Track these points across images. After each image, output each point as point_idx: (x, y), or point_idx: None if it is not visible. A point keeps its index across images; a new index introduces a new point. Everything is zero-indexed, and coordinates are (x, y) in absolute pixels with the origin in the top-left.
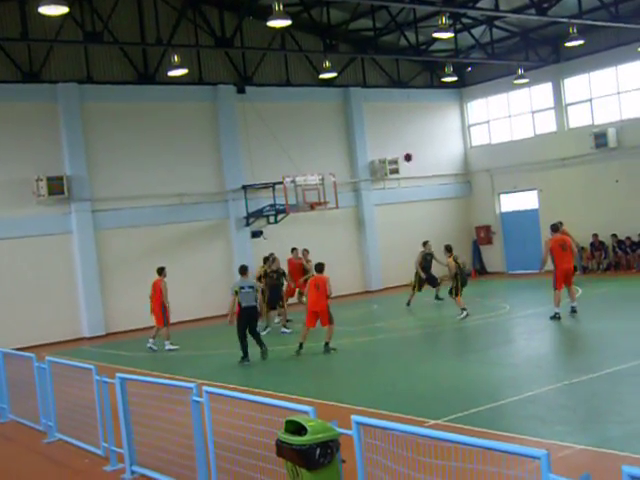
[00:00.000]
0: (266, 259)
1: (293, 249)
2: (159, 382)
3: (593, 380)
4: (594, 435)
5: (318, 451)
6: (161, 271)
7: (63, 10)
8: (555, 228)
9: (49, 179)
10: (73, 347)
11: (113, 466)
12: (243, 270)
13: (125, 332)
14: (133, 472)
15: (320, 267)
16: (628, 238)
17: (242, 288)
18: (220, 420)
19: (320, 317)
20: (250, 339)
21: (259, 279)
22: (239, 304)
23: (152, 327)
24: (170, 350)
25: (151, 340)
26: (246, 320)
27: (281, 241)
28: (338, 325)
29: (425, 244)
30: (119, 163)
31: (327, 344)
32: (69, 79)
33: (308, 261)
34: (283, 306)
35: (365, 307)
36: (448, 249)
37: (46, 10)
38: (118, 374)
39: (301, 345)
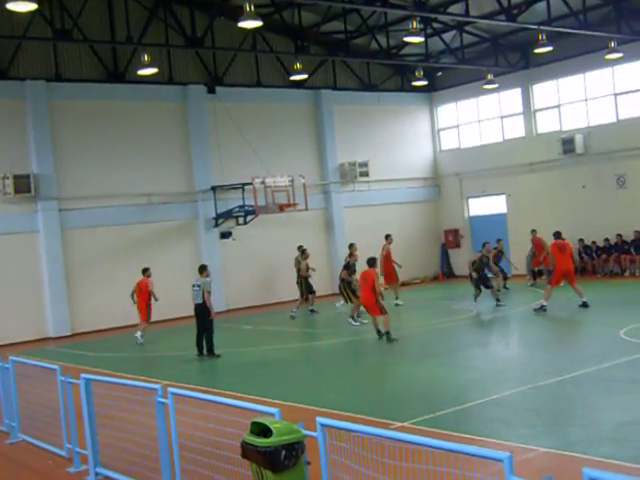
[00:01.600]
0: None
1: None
2: (124, 383)
3: (558, 383)
4: (557, 438)
5: (283, 453)
6: (145, 271)
7: (31, 7)
8: (557, 234)
9: (16, 177)
10: (38, 347)
11: (77, 468)
12: (199, 269)
13: (91, 332)
14: (97, 474)
15: (371, 261)
16: (594, 243)
17: (193, 286)
18: (185, 422)
19: (368, 309)
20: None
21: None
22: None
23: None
24: (137, 339)
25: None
26: (195, 316)
27: (250, 242)
28: (307, 327)
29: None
30: (87, 162)
31: (388, 333)
32: (37, 77)
33: (351, 255)
34: (351, 299)
35: (334, 309)
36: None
37: (14, 6)
38: (83, 375)
39: (379, 332)
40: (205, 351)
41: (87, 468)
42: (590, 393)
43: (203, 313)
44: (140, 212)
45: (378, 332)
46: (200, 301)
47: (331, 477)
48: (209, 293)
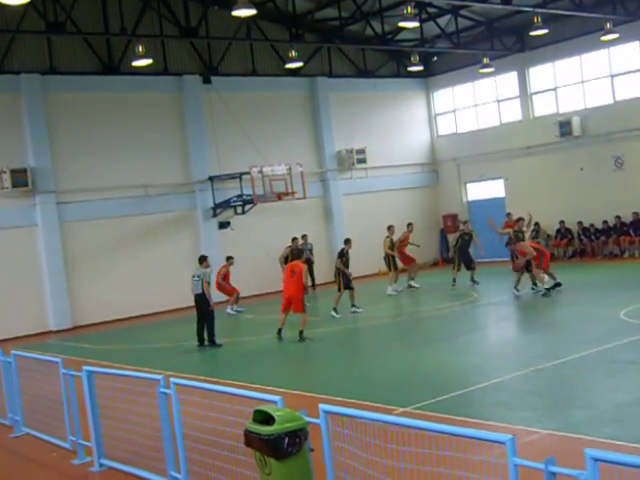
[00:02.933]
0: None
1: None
2: (126, 374)
3: (559, 366)
4: (559, 420)
5: (286, 440)
6: (228, 259)
7: (24, 0)
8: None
9: (13, 171)
10: (40, 341)
11: (81, 459)
12: (200, 259)
13: (92, 325)
14: (101, 465)
15: (300, 253)
16: (592, 225)
17: (193, 277)
18: (188, 411)
19: (293, 304)
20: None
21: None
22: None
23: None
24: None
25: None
26: (195, 307)
27: (248, 231)
28: (308, 315)
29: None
30: (84, 154)
31: (301, 332)
32: (32, 70)
33: (387, 237)
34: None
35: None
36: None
37: (7, 0)
38: (85, 367)
39: (279, 330)
40: (207, 341)
41: (91, 460)
42: (591, 375)
43: (203, 303)
44: (138, 204)
45: (300, 333)
46: (200, 291)
47: (334, 463)
48: (208, 284)
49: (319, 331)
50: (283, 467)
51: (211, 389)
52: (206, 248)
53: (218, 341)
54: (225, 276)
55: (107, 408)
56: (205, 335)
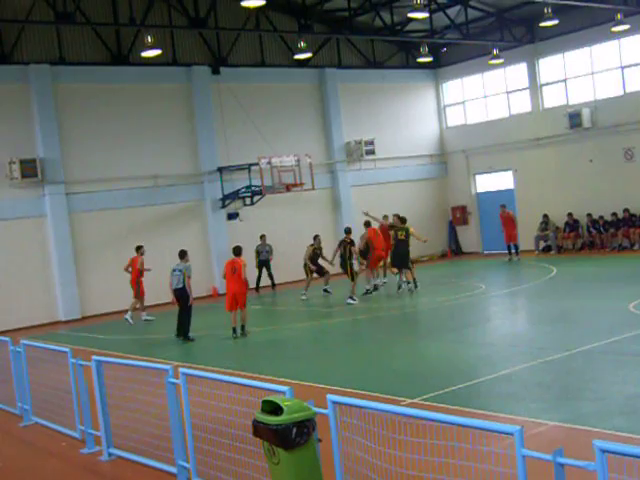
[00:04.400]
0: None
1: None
2: (135, 364)
3: (567, 358)
4: (568, 412)
5: (294, 430)
6: (139, 249)
7: None
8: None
9: (22, 162)
10: (49, 331)
11: (90, 449)
12: (180, 254)
13: (101, 315)
14: (110, 454)
15: (237, 250)
16: (601, 217)
17: (173, 271)
18: (196, 401)
19: (237, 299)
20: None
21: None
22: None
23: (125, 311)
24: (147, 320)
25: (144, 313)
26: (176, 300)
27: (257, 222)
28: (319, 306)
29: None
30: (93, 145)
31: (243, 327)
32: (41, 60)
33: (392, 226)
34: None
35: (342, 288)
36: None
37: None
38: (94, 356)
39: (234, 329)
40: (179, 332)
41: (100, 449)
42: (600, 367)
43: (182, 297)
44: (147, 194)
45: (242, 328)
46: (181, 285)
47: (342, 454)
48: (190, 278)
49: (327, 322)
50: (291, 457)
51: (220, 379)
52: (214, 239)
53: (191, 335)
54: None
55: (116, 398)
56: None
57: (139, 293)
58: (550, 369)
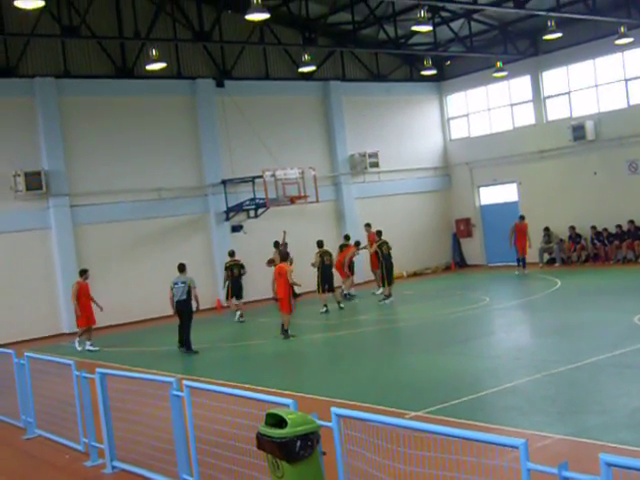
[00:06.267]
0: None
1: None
2: (139, 377)
3: (572, 371)
4: (573, 425)
5: (298, 443)
6: (82, 273)
7: (39, 4)
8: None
9: (27, 174)
10: (53, 343)
11: (94, 461)
12: (180, 268)
13: (105, 328)
14: (114, 467)
15: (285, 256)
16: (605, 230)
17: (175, 284)
18: (201, 414)
19: (280, 304)
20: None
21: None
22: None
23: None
24: (90, 351)
25: (88, 342)
26: (178, 313)
27: (261, 235)
28: (322, 319)
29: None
30: (97, 158)
31: (286, 330)
32: (46, 73)
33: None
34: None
35: (346, 300)
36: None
37: (22, 4)
38: (98, 369)
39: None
40: (181, 344)
41: (104, 462)
42: (605, 380)
43: (187, 309)
44: (151, 207)
45: (282, 329)
46: (184, 297)
47: (346, 467)
48: (195, 288)
49: (331, 335)
50: (295, 470)
51: (224, 392)
52: (218, 251)
53: (195, 347)
54: (81, 293)
55: (120, 410)
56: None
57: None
58: (555, 382)
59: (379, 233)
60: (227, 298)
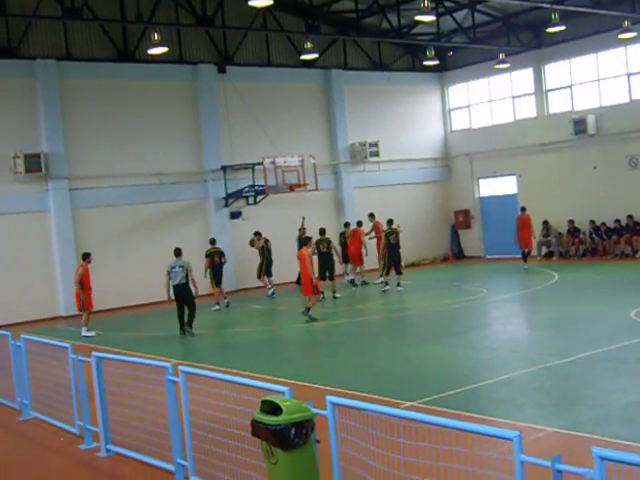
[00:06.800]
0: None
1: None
2: (135, 361)
3: (567, 364)
4: (567, 418)
5: (293, 431)
6: (85, 257)
7: None
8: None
9: (26, 156)
10: (50, 326)
11: (88, 444)
12: (176, 252)
13: (102, 311)
14: (108, 450)
15: (306, 240)
16: (604, 224)
17: (173, 268)
18: (195, 399)
19: (303, 287)
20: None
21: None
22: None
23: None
24: (86, 337)
25: (84, 328)
26: (177, 297)
27: (259, 222)
28: (318, 308)
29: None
30: (97, 141)
31: (308, 309)
32: (48, 55)
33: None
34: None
35: (344, 289)
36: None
37: None
38: (94, 353)
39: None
40: (182, 331)
41: (98, 445)
42: (600, 374)
43: (186, 292)
44: (150, 192)
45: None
46: (184, 281)
47: (340, 455)
48: (192, 271)
49: (328, 323)
50: (289, 457)
51: (219, 378)
52: (217, 238)
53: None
54: (83, 278)
55: (115, 394)
56: (186, 319)
57: (83, 308)
58: (550, 375)
59: (390, 222)
60: (213, 286)
